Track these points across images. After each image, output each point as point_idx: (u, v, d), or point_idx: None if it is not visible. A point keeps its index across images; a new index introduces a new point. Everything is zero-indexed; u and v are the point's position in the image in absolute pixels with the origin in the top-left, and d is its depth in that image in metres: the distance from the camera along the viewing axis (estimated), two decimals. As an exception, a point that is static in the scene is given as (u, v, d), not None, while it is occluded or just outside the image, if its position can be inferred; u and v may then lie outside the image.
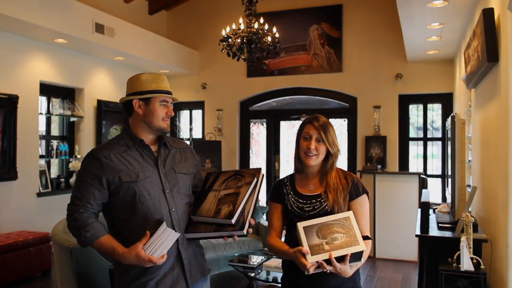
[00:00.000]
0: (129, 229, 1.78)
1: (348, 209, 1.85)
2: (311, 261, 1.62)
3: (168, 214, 1.81)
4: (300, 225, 1.71)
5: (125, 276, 1.80)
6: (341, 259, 1.63)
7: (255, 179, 1.84)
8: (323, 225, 1.70)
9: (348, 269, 1.66)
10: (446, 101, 6.33)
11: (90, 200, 1.78)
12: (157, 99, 1.86)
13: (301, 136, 1.94)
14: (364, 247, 1.66)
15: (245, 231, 1.73)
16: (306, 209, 1.86)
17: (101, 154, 1.80)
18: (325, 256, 1.62)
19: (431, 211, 3.81)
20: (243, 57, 5.15)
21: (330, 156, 1.91)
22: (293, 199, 1.91)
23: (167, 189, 1.84)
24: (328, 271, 1.64)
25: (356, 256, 1.65)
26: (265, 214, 5.53)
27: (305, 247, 1.65)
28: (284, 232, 1.99)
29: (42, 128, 5.77)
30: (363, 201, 1.88)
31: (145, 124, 1.88)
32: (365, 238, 1.71)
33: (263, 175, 1.92)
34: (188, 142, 7.46)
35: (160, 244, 1.65)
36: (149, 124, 1.87)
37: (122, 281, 1.83)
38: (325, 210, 1.83)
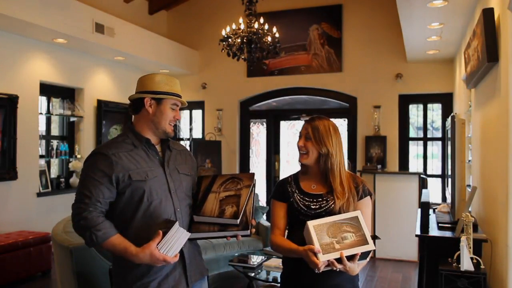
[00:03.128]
0: (134, 228, 1.77)
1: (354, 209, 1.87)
2: (322, 259, 1.64)
3: (174, 214, 1.81)
4: (311, 224, 1.72)
5: (127, 276, 1.79)
6: (350, 257, 1.66)
7: (253, 182, 1.92)
8: (333, 224, 1.72)
9: (356, 268, 1.70)
10: (446, 101, 6.33)
11: (99, 199, 1.73)
12: (169, 101, 1.87)
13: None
14: (373, 246, 1.69)
15: (249, 231, 1.79)
16: (313, 207, 1.87)
17: (110, 152, 1.77)
18: (336, 255, 1.64)
19: (431, 211, 3.81)
20: (243, 57, 5.15)
21: (321, 156, 1.90)
22: (299, 197, 1.92)
23: (172, 189, 1.84)
24: (338, 269, 1.67)
25: (364, 255, 1.68)
26: (265, 214, 5.53)
27: (317, 246, 1.66)
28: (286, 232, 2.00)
29: (42, 128, 5.77)
30: (366, 203, 1.91)
31: (152, 124, 1.87)
32: (373, 237, 1.73)
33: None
34: (188, 142, 7.48)
35: (174, 244, 1.67)
36: (156, 124, 1.87)
37: (124, 282, 1.81)
38: (331, 208, 1.84)
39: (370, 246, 1.67)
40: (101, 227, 1.70)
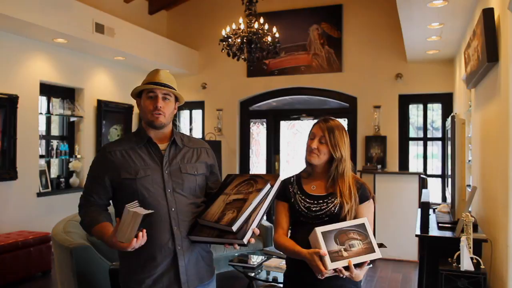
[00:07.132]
0: None
1: (356, 212, 1.87)
2: (330, 267, 1.63)
3: (167, 214, 1.78)
4: (319, 230, 1.69)
5: (126, 269, 1.83)
6: (357, 265, 1.66)
7: (268, 186, 1.75)
8: (340, 231, 1.71)
9: (362, 275, 1.71)
10: (446, 101, 6.33)
11: (92, 193, 1.84)
12: (145, 92, 1.87)
13: (309, 136, 1.96)
14: (380, 255, 1.68)
15: (245, 241, 1.63)
16: (313, 208, 1.87)
17: (107, 150, 1.85)
18: (344, 263, 1.64)
19: (431, 211, 3.81)
20: (243, 57, 5.14)
21: (334, 160, 1.89)
22: (300, 198, 1.91)
23: (168, 189, 1.81)
24: (344, 277, 1.67)
25: (370, 262, 1.69)
26: (265, 215, 5.51)
27: (325, 252, 1.65)
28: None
29: (42, 128, 5.77)
30: (368, 205, 1.90)
31: (143, 120, 1.91)
32: (379, 245, 1.73)
33: (282, 182, 1.86)
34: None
35: (126, 228, 1.58)
36: (144, 119, 1.90)
37: (125, 273, 1.84)
38: (331, 211, 1.84)
39: (377, 255, 1.68)
40: (85, 217, 1.82)
